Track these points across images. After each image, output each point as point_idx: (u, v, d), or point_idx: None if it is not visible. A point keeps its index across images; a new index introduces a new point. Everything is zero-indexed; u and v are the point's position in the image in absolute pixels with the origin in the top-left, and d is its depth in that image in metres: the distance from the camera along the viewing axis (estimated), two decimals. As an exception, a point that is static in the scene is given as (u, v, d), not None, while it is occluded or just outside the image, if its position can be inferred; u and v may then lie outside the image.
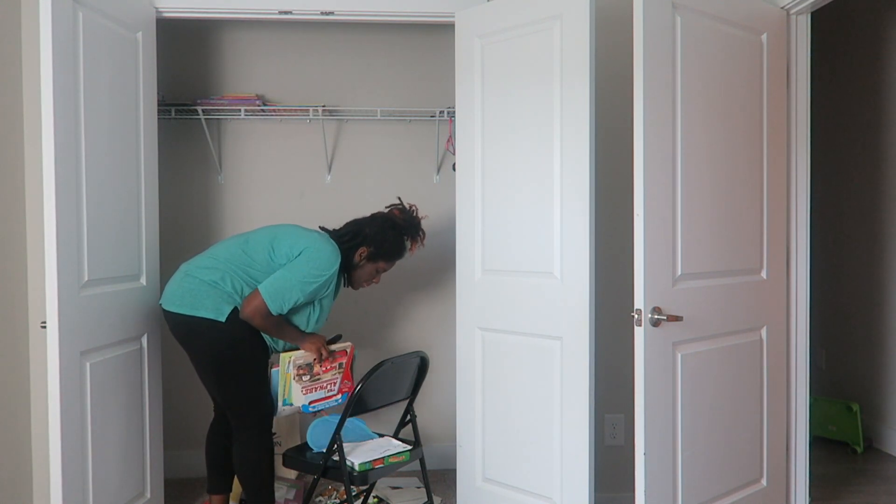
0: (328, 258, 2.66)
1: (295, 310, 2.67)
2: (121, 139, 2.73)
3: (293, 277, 2.60)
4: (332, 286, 2.72)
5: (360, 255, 2.82)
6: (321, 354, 2.74)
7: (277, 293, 2.59)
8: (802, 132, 2.93)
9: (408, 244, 2.89)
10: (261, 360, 2.72)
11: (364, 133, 3.69)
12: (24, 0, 2.92)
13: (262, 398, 2.71)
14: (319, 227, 2.87)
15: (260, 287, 2.60)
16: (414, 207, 2.92)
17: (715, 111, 2.64)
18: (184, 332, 2.66)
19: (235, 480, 3.13)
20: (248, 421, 2.70)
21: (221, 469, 2.90)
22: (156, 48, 2.99)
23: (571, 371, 2.66)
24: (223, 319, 2.60)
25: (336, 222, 3.63)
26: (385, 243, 2.83)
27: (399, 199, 2.96)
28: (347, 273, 2.85)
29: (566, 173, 2.66)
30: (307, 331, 2.74)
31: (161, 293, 3.05)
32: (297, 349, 2.74)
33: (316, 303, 2.72)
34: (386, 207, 2.95)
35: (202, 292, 2.61)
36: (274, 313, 2.60)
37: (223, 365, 2.65)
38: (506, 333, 2.87)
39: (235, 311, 2.62)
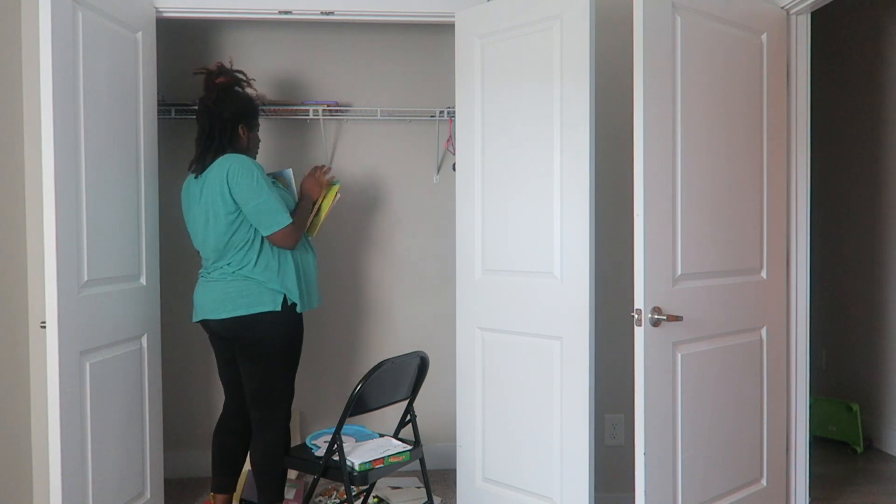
0: (243, 161, 2.69)
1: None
2: (121, 139, 2.73)
3: (260, 197, 2.65)
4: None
5: (244, 133, 2.82)
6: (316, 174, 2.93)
7: (272, 215, 2.66)
8: (802, 132, 2.93)
9: (251, 91, 2.91)
10: (299, 353, 2.87)
11: (364, 133, 3.69)
12: (24, 0, 2.92)
13: (292, 394, 2.85)
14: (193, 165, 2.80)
15: (264, 232, 2.68)
16: (217, 64, 2.84)
17: (715, 111, 2.64)
18: (244, 329, 2.71)
19: (238, 480, 3.13)
20: (275, 414, 2.78)
21: (229, 467, 2.91)
22: (156, 48, 2.99)
23: (571, 371, 2.66)
24: (280, 308, 2.71)
25: (336, 222, 3.65)
26: (244, 107, 2.83)
27: (203, 70, 2.83)
28: (250, 153, 2.87)
29: (566, 173, 2.66)
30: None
31: (160, 293, 3.06)
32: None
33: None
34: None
35: (253, 289, 2.70)
36: (287, 224, 2.69)
37: (278, 352, 2.75)
38: (506, 333, 2.87)
39: (285, 298, 2.73)
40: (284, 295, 2.73)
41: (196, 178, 2.76)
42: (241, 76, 2.86)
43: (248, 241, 2.70)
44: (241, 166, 2.67)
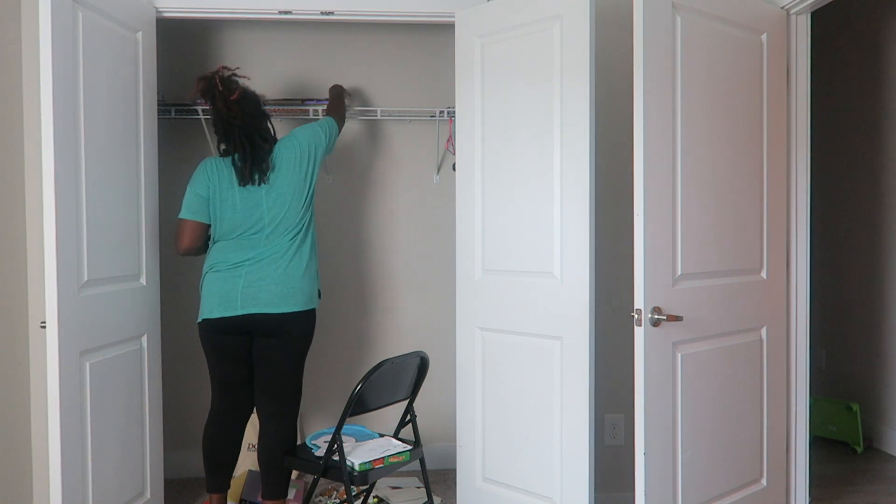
0: (298, 133, 2.90)
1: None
2: (121, 139, 2.73)
3: (323, 125, 2.97)
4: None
5: (270, 126, 2.92)
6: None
7: (328, 126, 2.99)
8: (802, 132, 2.93)
9: (244, 81, 2.87)
10: None
11: (364, 133, 3.69)
12: (24, 0, 2.92)
13: (301, 390, 2.91)
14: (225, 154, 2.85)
15: (325, 129, 2.96)
16: (216, 75, 2.77)
17: (715, 111, 2.64)
18: (296, 323, 2.77)
19: (234, 480, 3.13)
20: (290, 408, 2.82)
21: (224, 466, 2.90)
22: (156, 48, 2.99)
23: (571, 371, 2.66)
24: (317, 306, 2.88)
25: (337, 221, 3.65)
26: (260, 106, 2.89)
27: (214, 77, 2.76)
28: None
29: (566, 173, 2.66)
30: None
31: (160, 293, 3.06)
32: None
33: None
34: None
35: (307, 285, 2.80)
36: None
37: (306, 349, 2.85)
38: (506, 333, 2.87)
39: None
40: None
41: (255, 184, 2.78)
42: (231, 73, 2.79)
43: (309, 224, 2.86)
44: (302, 134, 2.87)
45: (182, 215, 2.80)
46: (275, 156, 2.81)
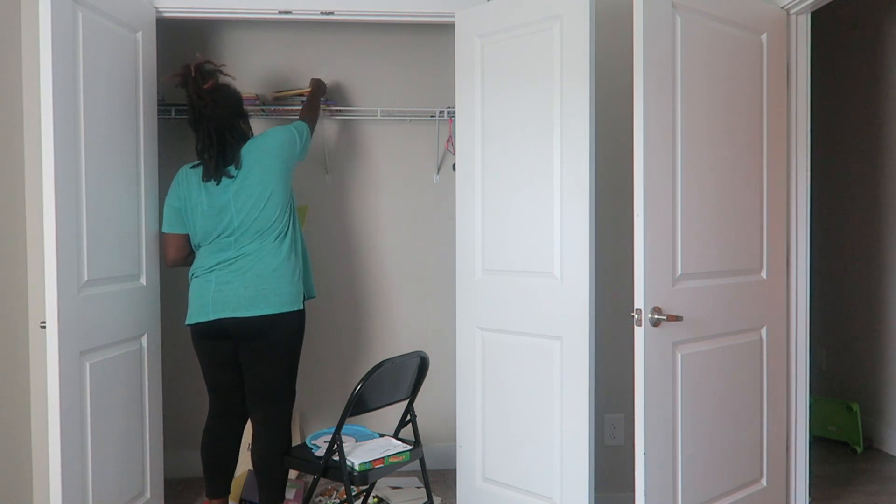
0: (271, 134, 2.81)
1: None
2: (121, 139, 2.73)
3: (297, 129, 2.87)
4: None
5: (244, 125, 2.84)
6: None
7: (308, 132, 2.94)
8: (802, 132, 2.93)
9: (228, 79, 2.84)
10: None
11: (364, 133, 3.69)
12: (24, 0, 2.92)
13: (295, 393, 2.86)
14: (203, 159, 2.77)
15: (300, 133, 2.87)
16: (193, 66, 2.74)
17: (715, 111, 2.64)
18: (271, 327, 2.70)
19: (234, 480, 3.12)
20: (281, 413, 2.78)
21: (223, 471, 2.88)
22: (156, 48, 2.99)
23: (571, 371, 2.66)
24: (302, 307, 2.79)
25: (337, 221, 3.65)
26: (237, 102, 2.82)
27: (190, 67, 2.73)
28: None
29: (566, 173, 2.66)
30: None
31: (160, 293, 3.06)
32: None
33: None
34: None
35: (285, 287, 2.72)
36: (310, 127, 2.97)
37: (293, 351, 2.79)
38: (506, 333, 2.87)
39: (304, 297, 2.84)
40: (303, 294, 2.83)
41: (218, 183, 2.71)
42: (215, 68, 2.77)
43: (287, 229, 2.78)
44: (276, 135, 2.79)
45: (163, 229, 2.85)
46: (245, 154, 2.73)
